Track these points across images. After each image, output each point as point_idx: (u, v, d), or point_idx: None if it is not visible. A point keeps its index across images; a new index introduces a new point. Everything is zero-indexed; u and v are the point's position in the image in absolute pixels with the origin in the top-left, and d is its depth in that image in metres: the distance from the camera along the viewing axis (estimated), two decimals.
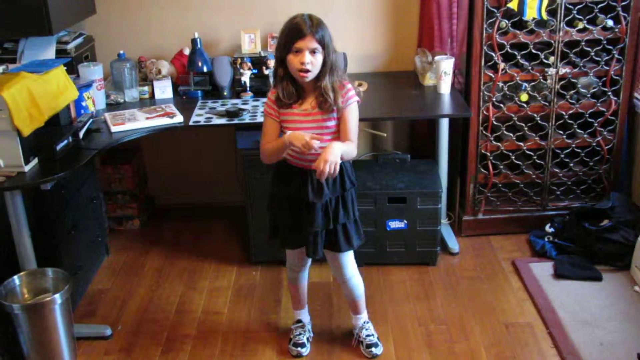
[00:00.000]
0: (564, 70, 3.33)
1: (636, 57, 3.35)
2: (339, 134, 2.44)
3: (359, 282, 2.73)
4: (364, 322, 2.82)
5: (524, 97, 3.39)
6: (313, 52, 2.30)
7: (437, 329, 2.91)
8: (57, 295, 2.63)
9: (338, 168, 2.31)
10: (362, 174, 3.40)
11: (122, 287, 3.33)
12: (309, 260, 2.74)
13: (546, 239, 3.45)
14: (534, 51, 3.30)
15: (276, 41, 2.42)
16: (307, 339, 2.82)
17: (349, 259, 2.65)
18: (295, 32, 2.29)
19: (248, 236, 3.38)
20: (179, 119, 3.15)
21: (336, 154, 2.29)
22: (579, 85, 3.41)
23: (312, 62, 2.30)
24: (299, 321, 2.86)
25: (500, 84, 3.38)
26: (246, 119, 3.14)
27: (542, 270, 3.26)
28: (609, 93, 3.39)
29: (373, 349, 2.75)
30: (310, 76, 2.34)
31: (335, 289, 3.21)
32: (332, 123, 2.43)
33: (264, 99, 3.36)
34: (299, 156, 2.44)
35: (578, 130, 3.47)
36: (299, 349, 2.77)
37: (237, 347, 2.86)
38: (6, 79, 2.56)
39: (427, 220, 3.27)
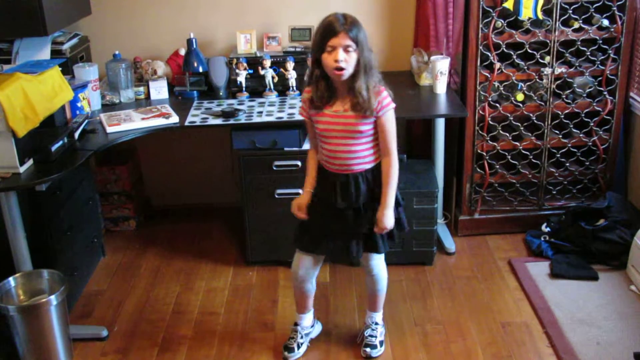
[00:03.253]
0: (560, 69, 3.33)
1: (632, 57, 3.35)
2: (372, 139, 2.43)
3: (381, 278, 2.72)
4: (373, 322, 2.80)
5: (520, 96, 3.39)
6: (347, 49, 2.27)
7: (434, 329, 2.91)
8: (52, 297, 2.63)
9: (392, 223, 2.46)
10: None
11: (118, 288, 3.32)
12: (316, 270, 2.69)
13: (542, 239, 3.46)
14: (529, 51, 3.30)
15: (312, 43, 2.40)
16: (298, 344, 2.76)
17: (376, 257, 2.65)
18: (328, 29, 2.27)
19: (244, 237, 3.37)
20: (174, 119, 3.14)
21: (390, 216, 2.45)
22: (574, 85, 3.41)
23: (346, 60, 2.27)
24: (296, 324, 2.81)
25: (496, 84, 3.39)
26: (242, 119, 3.14)
27: (539, 269, 3.27)
28: (605, 93, 3.39)
29: (369, 350, 2.74)
30: (346, 74, 2.30)
31: (332, 290, 3.21)
32: (366, 128, 2.40)
33: (260, 99, 3.40)
34: (327, 160, 2.47)
35: (574, 130, 3.47)
36: (286, 353, 2.75)
37: (233, 348, 2.85)
38: (1, 80, 2.56)
39: (424, 220, 3.27)
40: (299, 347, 2.76)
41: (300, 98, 2.49)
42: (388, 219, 2.45)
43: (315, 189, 2.56)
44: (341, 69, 2.28)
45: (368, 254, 2.63)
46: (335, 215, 2.50)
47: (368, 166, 2.47)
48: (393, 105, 2.42)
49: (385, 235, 2.55)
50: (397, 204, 2.54)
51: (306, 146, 3.17)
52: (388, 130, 2.43)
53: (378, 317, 2.82)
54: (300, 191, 3.14)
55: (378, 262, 2.68)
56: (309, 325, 2.83)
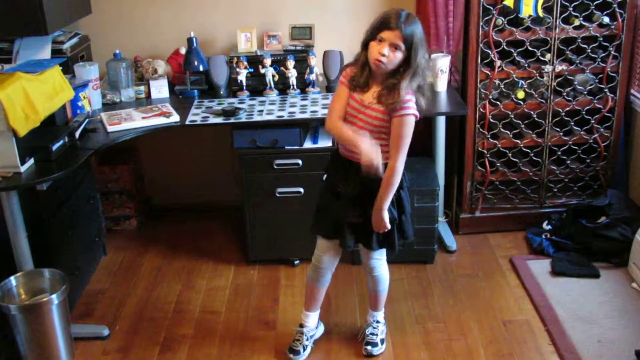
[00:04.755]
0: (561, 67, 3.33)
1: (632, 54, 3.35)
2: (387, 138, 2.40)
3: (382, 278, 2.72)
4: (374, 321, 2.80)
5: (521, 94, 3.39)
6: (395, 47, 2.27)
7: (435, 327, 2.91)
8: (54, 296, 2.63)
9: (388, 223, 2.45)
10: None
11: (119, 287, 3.32)
12: (338, 259, 2.68)
13: (543, 237, 3.46)
14: (530, 48, 3.30)
15: (368, 27, 2.37)
16: (304, 347, 2.75)
17: (377, 253, 2.65)
18: (386, 22, 2.26)
19: (245, 235, 3.37)
20: (175, 118, 3.14)
21: (381, 219, 2.43)
22: (575, 83, 3.41)
23: (389, 57, 2.27)
24: (302, 325, 2.79)
25: (497, 82, 3.38)
26: (243, 118, 3.14)
27: (540, 267, 3.26)
28: (606, 90, 3.39)
29: (370, 348, 2.74)
30: (383, 68, 2.30)
31: (333, 289, 3.21)
32: (384, 123, 2.38)
33: (261, 98, 3.39)
34: (348, 148, 2.44)
35: (575, 128, 3.47)
36: (292, 355, 2.74)
37: (234, 347, 2.85)
38: (1, 79, 2.56)
39: (425, 218, 3.27)
40: (304, 350, 2.75)
41: (343, 73, 2.45)
42: (378, 221, 2.45)
43: (328, 173, 2.57)
44: (381, 61, 2.28)
45: (368, 252, 2.63)
46: (334, 200, 2.50)
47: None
48: (415, 112, 2.36)
49: (381, 235, 2.53)
50: (402, 211, 2.54)
51: (308, 144, 3.16)
52: (399, 134, 2.36)
53: (379, 315, 2.82)
54: (301, 190, 3.14)
55: (379, 263, 2.68)
56: (314, 326, 2.82)
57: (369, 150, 2.30)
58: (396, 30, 2.24)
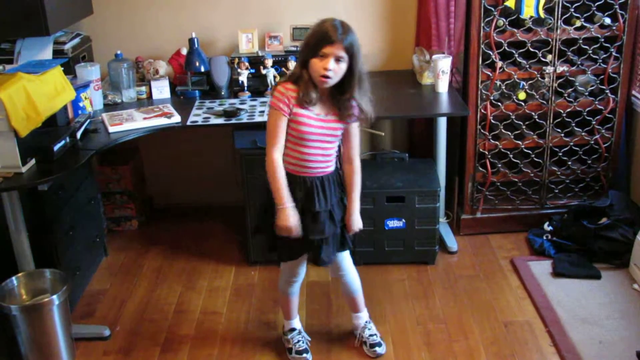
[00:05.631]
0: (562, 68, 3.33)
1: (634, 55, 3.35)
2: (337, 144, 2.46)
3: (355, 277, 2.72)
4: (366, 322, 2.81)
5: (522, 95, 3.39)
6: (338, 60, 2.26)
7: (436, 328, 2.91)
8: (55, 296, 2.63)
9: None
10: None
11: (120, 287, 3.32)
12: (305, 269, 2.69)
13: (545, 238, 3.45)
14: (531, 49, 3.30)
15: (302, 44, 2.35)
16: (307, 344, 2.79)
17: (345, 254, 2.66)
18: (325, 36, 2.24)
19: (246, 236, 3.38)
20: (176, 119, 3.14)
21: (359, 219, 2.54)
22: (576, 84, 3.41)
23: (335, 70, 2.27)
24: (293, 329, 2.80)
25: (498, 83, 3.38)
26: (244, 118, 3.14)
27: (541, 268, 3.26)
28: (607, 91, 3.39)
29: (377, 349, 2.74)
30: (330, 83, 2.30)
31: (334, 288, 3.21)
32: (341, 132, 2.43)
33: (262, 99, 3.39)
34: (300, 164, 2.41)
35: (576, 129, 3.46)
36: (304, 355, 2.74)
37: (235, 347, 2.85)
38: (3, 80, 2.56)
39: (426, 219, 3.27)
40: (307, 345, 2.78)
41: (277, 94, 2.34)
42: (358, 222, 2.55)
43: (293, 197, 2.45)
44: (327, 77, 2.27)
45: (340, 257, 2.63)
46: (313, 219, 2.46)
47: (333, 168, 2.49)
48: (364, 117, 2.43)
49: (344, 237, 2.58)
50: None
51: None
52: (358, 137, 2.48)
53: (365, 315, 2.83)
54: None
55: (349, 263, 2.69)
56: (301, 325, 2.85)
57: (287, 217, 2.36)
58: (338, 44, 2.24)
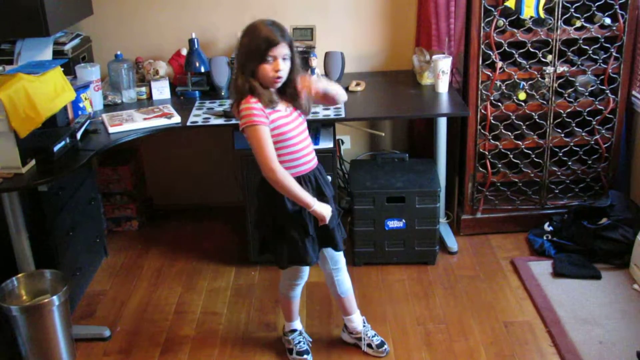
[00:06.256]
0: (562, 68, 3.32)
1: (634, 55, 3.35)
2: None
3: (347, 275, 2.71)
4: (363, 322, 2.80)
5: (522, 95, 3.39)
6: (284, 58, 2.29)
7: (436, 328, 2.91)
8: (55, 297, 2.63)
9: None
10: (361, 174, 3.40)
11: (120, 288, 3.32)
12: (309, 271, 2.67)
13: (545, 238, 3.45)
14: (531, 50, 3.29)
15: (241, 55, 2.32)
16: (308, 345, 2.79)
17: (340, 254, 2.65)
18: (268, 40, 2.25)
19: (246, 236, 3.38)
20: (176, 119, 3.14)
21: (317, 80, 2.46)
22: (576, 84, 3.41)
23: (284, 69, 2.30)
24: (294, 330, 2.79)
25: (498, 83, 3.38)
26: None
27: (541, 268, 3.26)
28: (607, 91, 3.39)
29: (385, 347, 2.76)
30: (282, 81, 2.33)
31: None
32: (305, 119, 2.48)
33: None
34: (296, 164, 2.41)
35: (576, 129, 3.46)
36: (305, 356, 2.74)
37: (236, 348, 2.85)
38: (3, 81, 2.56)
39: (426, 220, 3.27)
40: (308, 346, 2.78)
41: (247, 112, 2.29)
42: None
43: (288, 205, 2.42)
44: (280, 77, 2.29)
45: (335, 258, 2.62)
46: (306, 217, 2.45)
47: (316, 159, 2.52)
48: None
49: (342, 230, 2.59)
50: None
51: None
52: (324, 81, 2.49)
53: (359, 314, 2.81)
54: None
55: (343, 258, 2.67)
56: (302, 326, 2.85)
57: (324, 209, 2.39)
58: (282, 43, 2.26)
